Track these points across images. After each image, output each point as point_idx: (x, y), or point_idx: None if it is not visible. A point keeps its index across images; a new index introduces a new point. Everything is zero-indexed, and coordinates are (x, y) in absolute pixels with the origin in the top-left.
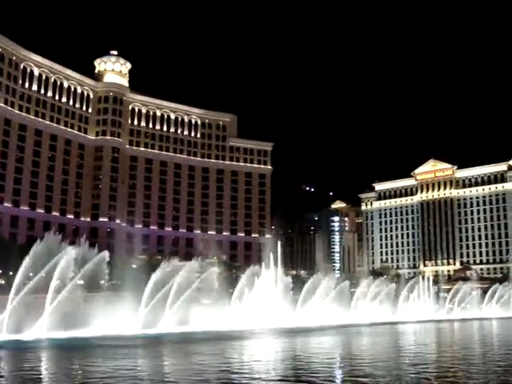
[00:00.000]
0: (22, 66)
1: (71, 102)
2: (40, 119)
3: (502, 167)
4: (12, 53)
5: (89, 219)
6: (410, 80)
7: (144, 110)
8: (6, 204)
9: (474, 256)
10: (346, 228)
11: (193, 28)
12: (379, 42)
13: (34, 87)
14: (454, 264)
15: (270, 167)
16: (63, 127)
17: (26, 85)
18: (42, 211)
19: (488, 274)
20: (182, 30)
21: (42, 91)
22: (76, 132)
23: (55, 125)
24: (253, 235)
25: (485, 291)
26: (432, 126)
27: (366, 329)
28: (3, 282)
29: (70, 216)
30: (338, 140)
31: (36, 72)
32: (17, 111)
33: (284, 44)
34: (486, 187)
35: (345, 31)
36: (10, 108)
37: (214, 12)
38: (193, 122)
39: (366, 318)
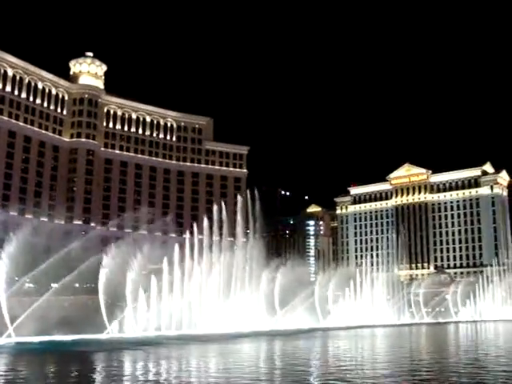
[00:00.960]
0: None
1: (46, 104)
2: (14, 120)
3: (476, 172)
4: None
5: (63, 222)
6: (384, 85)
7: (119, 113)
8: None
9: (448, 260)
10: (321, 232)
11: (169, 31)
12: (353, 47)
13: (8, 88)
14: (429, 268)
15: (245, 171)
16: (37, 129)
17: (0, 85)
18: (16, 214)
19: (462, 277)
20: (158, 33)
21: (16, 92)
22: (50, 134)
23: (29, 126)
24: (228, 239)
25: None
26: (407, 131)
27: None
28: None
29: (44, 219)
30: (313, 144)
31: (10, 73)
32: None
33: (260, 48)
34: (460, 192)
35: (320, 36)
36: None
37: (190, 14)
38: (168, 124)
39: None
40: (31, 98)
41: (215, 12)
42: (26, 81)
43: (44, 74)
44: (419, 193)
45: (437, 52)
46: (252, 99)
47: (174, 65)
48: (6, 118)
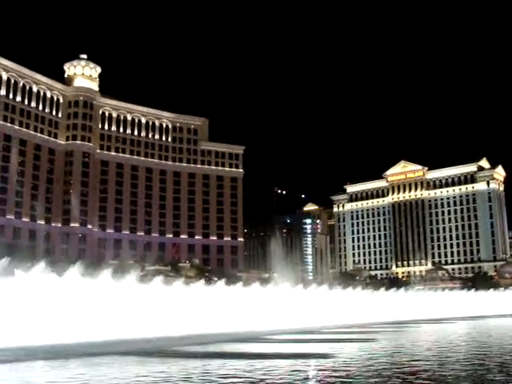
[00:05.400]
0: None
1: (41, 107)
2: (9, 124)
3: (472, 168)
4: None
5: (60, 225)
6: (380, 82)
7: (115, 115)
8: None
9: (446, 256)
10: (319, 230)
11: (162, 32)
12: (348, 45)
13: (3, 92)
14: (426, 264)
15: (241, 170)
16: (33, 132)
17: None
18: (12, 217)
19: (460, 273)
20: (152, 34)
21: (11, 96)
22: (46, 137)
23: (25, 130)
24: (225, 239)
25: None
26: (402, 128)
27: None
28: None
29: (41, 222)
30: (309, 143)
31: (4, 76)
32: None
33: (254, 47)
34: (457, 188)
35: (315, 34)
36: None
37: (184, 15)
38: (164, 125)
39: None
40: (26, 102)
41: (209, 12)
42: (21, 84)
43: (39, 77)
44: (415, 189)
45: (431, 48)
46: (247, 98)
47: (168, 66)
48: (1, 122)
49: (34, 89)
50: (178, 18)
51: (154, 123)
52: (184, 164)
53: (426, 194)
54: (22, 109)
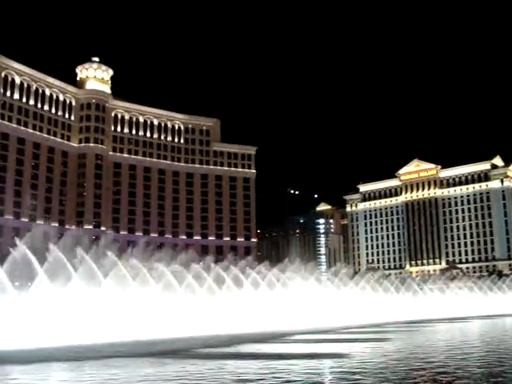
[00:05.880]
0: (3, 75)
1: (53, 110)
2: (22, 127)
3: (485, 166)
4: None
5: (74, 227)
6: (392, 81)
7: (127, 117)
8: None
9: (460, 255)
10: (332, 230)
11: (174, 33)
12: (359, 43)
13: (16, 96)
14: (440, 263)
15: (254, 171)
16: (46, 135)
17: (8, 93)
18: (27, 220)
19: (474, 272)
20: (164, 36)
21: (24, 99)
22: (59, 140)
23: (38, 133)
24: (238, 239)
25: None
26: (415, 127)
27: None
28: None
29: (55, 224)
30: (321, 142)
31: (17, 80)
32: None
33: (265, 47)
34: (470, 186)
35: (325, 34)
36: None
37: (195, 16)
38: (176, 127)
39: None
40: (39, 105)
41: (222, 14)
42: (34, 88)
43: (51, 80)
44: (429, 188)
45: (443, 46)
46: (258, 99)
47: (179, 67)
48: (14, 125)
49: (47, 92)
50: (189, 20)
51: (166, 125)
52: (196, 165)
53: (439, 192)
54: (35, 112)
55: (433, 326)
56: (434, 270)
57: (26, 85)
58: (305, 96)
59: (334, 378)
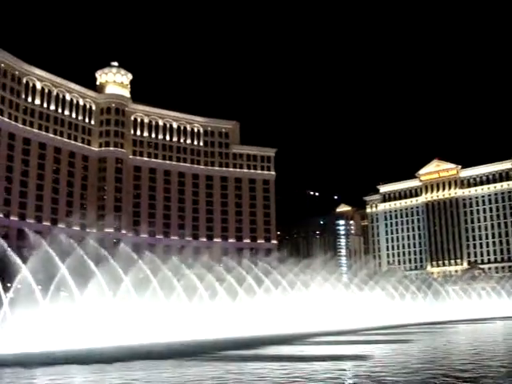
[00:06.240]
0: (24, 81)
1: (74, 115)
2: (44, 132)
3: (506, 165)
4: (14, 68)
5: (95, 230)
6: (412, 80)
7: (146, 120)
8: (12, 218)
9: (482, 255)
10: (352, 231)
11: (192, 37)
12: (379, 44)
13: (37, 101)
14: (462, 264)
15: (273, 173)
16: (67, 140)
17: (29, 99)
18: (48, 224)
19: (496, 272)
20: (182, 39)
21: (45, 105)
22: (80, 144)
23: (59, 137)
24: (258, 241)
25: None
26: (435, 126)
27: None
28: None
29: (76, 228)
30: (340, 143)
31: (38, 86)
32: (20, 125)
33: (284, 49)
34: (492, 186)
35: (343, 34)
36: (13, 122)
37: (214, 20)
38: (195, 130)
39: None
40: (60, 110)
41: (241, 17)
42: (54, 93)
43: (71, 85)
44: (449, 188)
45: (463, 46)
46: (277, 101)
47: (198, 70)
48: (36, 131)
49: (67, 97)
50: (208, 23)
51: (185, 128)
52: (216, 168)
53: (460, 192)
54: (55, 117)
55: (455, 327)
56: (456, 271)
57: (46, 90)
58: (324, 97)
59: (356, 381)
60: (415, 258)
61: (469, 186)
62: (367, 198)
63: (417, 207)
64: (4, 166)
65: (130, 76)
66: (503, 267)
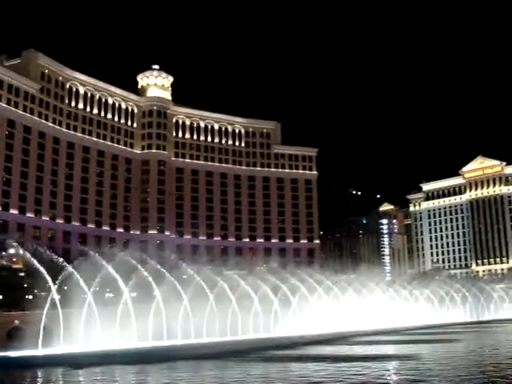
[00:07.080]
0: (67, 86)
1: (116, 118)
2: (87, 136)
3: None
4: (58, 73)
5: (138, 232)
6: (456, 77)
7: (188, 122)
8: (57, 220)
9: None
10: (395, 230)
11: (233, 38)
12: (418, 42)
13: (80, 105)
14: (508, 262)
15: (315, 172)
16: (110, 143)
17: (73, 103)
18: (93, 226)
19: None
20: (223, 41)
21: (88, 109)
22: (122, 147)
23: (102, 141)
24: (301, 241)
25: None
26: (478, 123)
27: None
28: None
29: (120, 230)
30: (382, 141)
31: (81, 90)
32: (64, 129)
33: (324, 49)
34: None
35: (379, 34)
36: (57, 127)
37: (254, 20)
38: (236, 131)
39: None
40: (102, 114)
41: (279, 18)
42: (97, 97)
43: (113, 89)
44: (494, 185)
45: (502, 41)
46: (318, 100)
47: (238, 71)
48: (80, 135)
49: (110, 101)
50: (248, 24)
51: (226, 129)
52: (258, 168)
53: (505, 189)
54: (98, 121)
55: (503, 326)
56: (502, 269)
57: (89, 94)
58: (366, 95)
59: (402, 381)
60: (460, 257)
61: None
62: (410, 197)
63: (461, 205)
64: (49, 170)
65: (170, 79)
66: None
